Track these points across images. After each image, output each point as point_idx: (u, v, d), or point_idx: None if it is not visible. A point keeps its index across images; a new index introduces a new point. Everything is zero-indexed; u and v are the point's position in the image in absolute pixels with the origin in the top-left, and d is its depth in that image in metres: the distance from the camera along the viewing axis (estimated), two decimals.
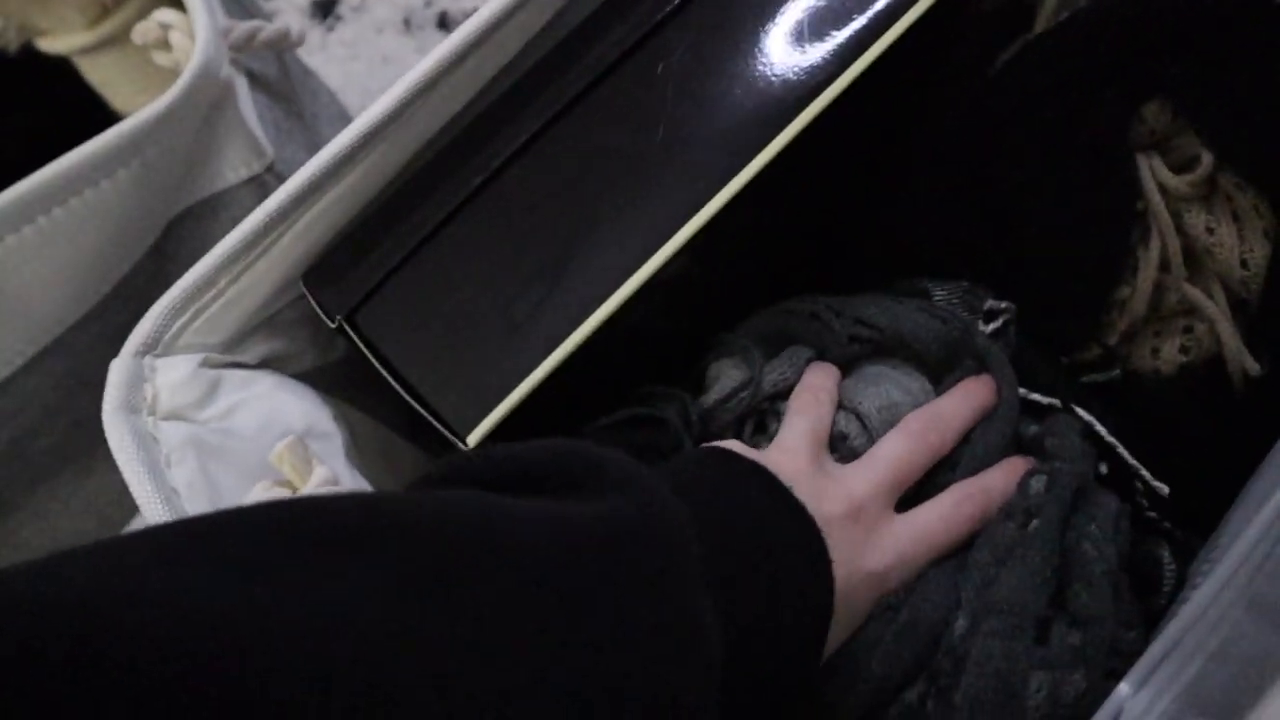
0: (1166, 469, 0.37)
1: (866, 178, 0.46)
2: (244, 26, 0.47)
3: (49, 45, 0.55)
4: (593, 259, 0.35)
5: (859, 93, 0.37)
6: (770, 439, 0.37)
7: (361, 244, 0.38)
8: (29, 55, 0.55)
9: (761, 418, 0.40)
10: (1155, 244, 0.37)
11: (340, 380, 0.41)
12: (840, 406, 0.38)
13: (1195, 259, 0.37)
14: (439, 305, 0.36)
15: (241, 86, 0.43)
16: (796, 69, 0.36)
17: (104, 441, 0.53)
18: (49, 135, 0.64)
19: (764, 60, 0.37)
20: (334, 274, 0.38)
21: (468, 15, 0.87)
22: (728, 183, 0.35)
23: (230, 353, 0.35)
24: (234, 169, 0.44)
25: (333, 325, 0.37)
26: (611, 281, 0.35)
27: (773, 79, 0.36)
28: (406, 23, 0.93)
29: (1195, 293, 0.37)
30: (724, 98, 0.37)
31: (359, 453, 0.39)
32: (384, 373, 0.36)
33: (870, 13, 0.37)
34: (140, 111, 0.39)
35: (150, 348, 0.33)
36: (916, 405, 0.37)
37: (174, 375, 0.33)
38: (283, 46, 0.49)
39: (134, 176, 0.40)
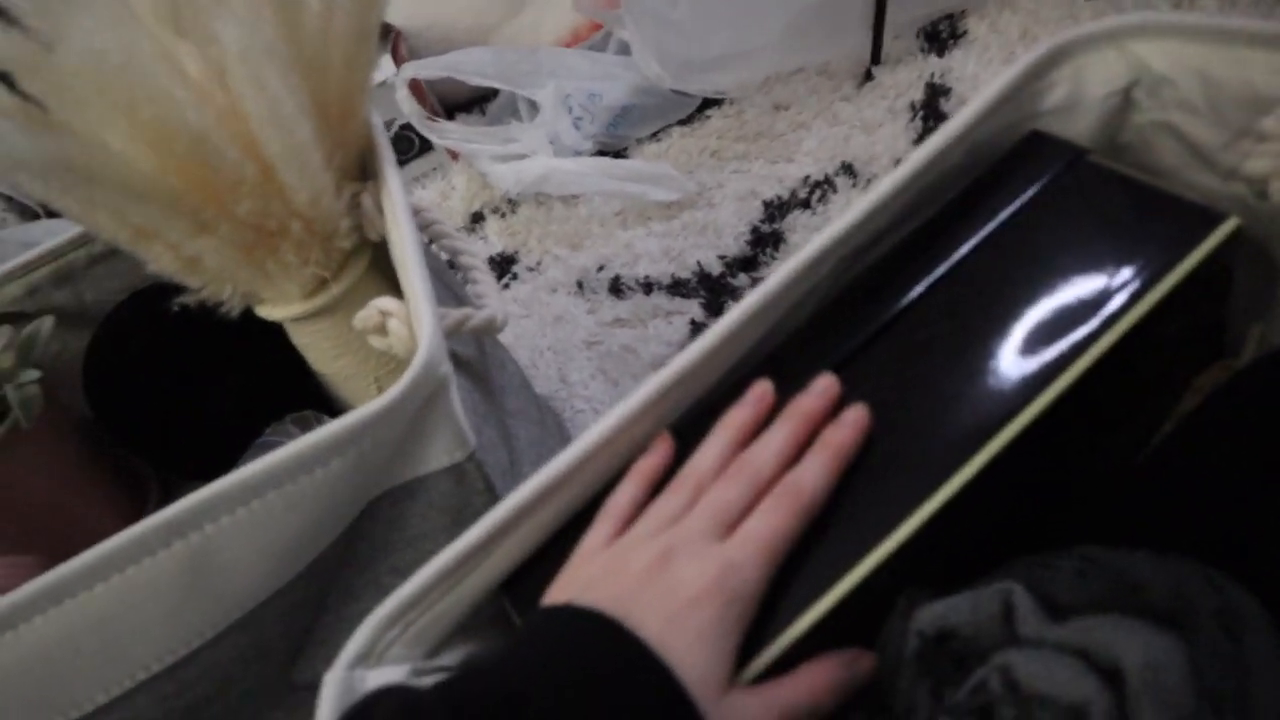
0: None
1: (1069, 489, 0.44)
2: (454, 315, 0.50)
3: (267, 312, 0.59)
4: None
5: (1069, 402, 0.37)
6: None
7: (561, 552, 0.38)
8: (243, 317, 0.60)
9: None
10: None
11: None
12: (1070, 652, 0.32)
13: None
14: None
15: (452, 379, 0.44)
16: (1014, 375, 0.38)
17: (269, 709, 0.53)
18: (256, 393, 0.69)
19: (986, 364, 0.39)
20: (532, 583, 0.38)
21: (639, 281, 0.92)
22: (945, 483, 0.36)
23: (433, 659, 0.35)
24: (438, 458, 0.45)
25: None
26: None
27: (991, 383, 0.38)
28: (579, 285, 0.98)
29: None
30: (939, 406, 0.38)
31: None
32: None
33: (1093, 321, 0.38)
34: (363, 407, 0.40)
35: (362, 660, 0.33)
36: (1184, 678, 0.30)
37: None
38: (488, 333, 0.52)
39: (348, 465, 0.41)
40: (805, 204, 0.97)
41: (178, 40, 0.50)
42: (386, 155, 0.56)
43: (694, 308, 0.92)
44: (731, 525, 0.36)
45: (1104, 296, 0.39)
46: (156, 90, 0.47)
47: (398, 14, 1.21)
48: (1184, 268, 0.39)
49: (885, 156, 0.98)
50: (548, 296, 0.99)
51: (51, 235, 0.71)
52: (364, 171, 0.59)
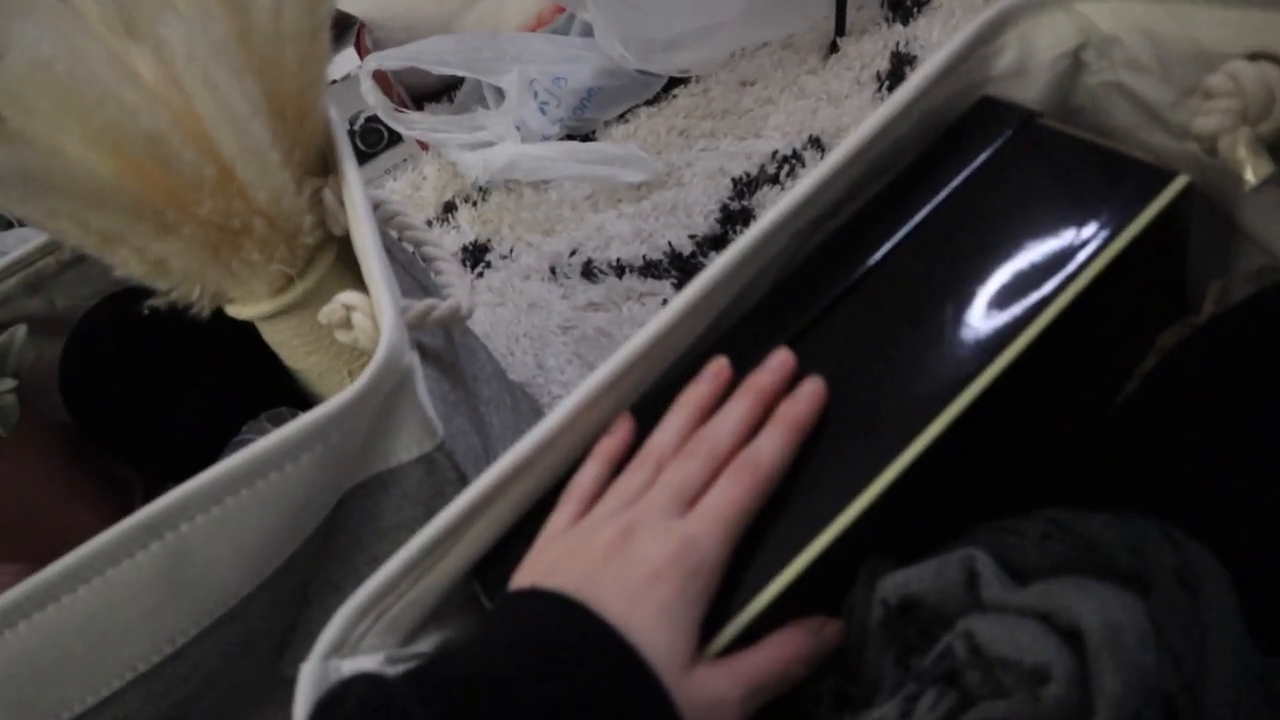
0: None
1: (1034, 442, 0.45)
2: (418, 307, 0.50)
3: (236, 311, 0.59)
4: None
5: (1033, 358, 0.38)
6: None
7: (530, 535, 0.39)
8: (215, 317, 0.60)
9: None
10: None
11: None
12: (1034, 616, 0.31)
13: None
14: None
15: (418, 369, 0.45)
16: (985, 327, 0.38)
17: (259, 703, 0.53)
18: (233, 392, 0.69)
19: (949, 323, 0.39)
20: (502, 567, 0.38)
21: (611, 264, 0.92)
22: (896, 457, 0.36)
23: (407, 647, 0.36)
24: (407, 449, 0.45)
25: None
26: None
27: (958, 337, 0.38)
28: (552, 270, 0.98)
29: None
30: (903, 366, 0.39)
31: None
32: None
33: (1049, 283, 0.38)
34: (327, 402, 0.41)
35: (336, 650, 0.33)
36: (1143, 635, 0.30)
37: None
38: (454, 323, 0.52)
39: (316, 459, 0.42)
40: (774, 179, 0.97)
41: (129, 43, 0.50)
42: (345, 149, 0.56)
43: (666, 289, 0.93)
44: (691, 501, 0.36)
45: (1058, 258, 0.39)
46: (107, 95, 0.47)
47: (361, 6, 1.21)
48: (1136, 227, 0.39)
49: (853, 128, 0.98)
50: (521, 283, 0.99)
51: (24, 244, 0.71)
52: (325, 167, 0.59)
